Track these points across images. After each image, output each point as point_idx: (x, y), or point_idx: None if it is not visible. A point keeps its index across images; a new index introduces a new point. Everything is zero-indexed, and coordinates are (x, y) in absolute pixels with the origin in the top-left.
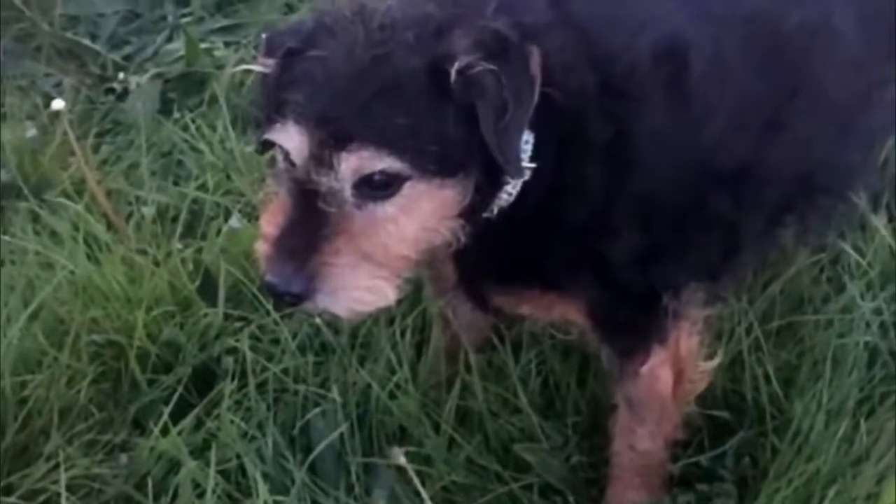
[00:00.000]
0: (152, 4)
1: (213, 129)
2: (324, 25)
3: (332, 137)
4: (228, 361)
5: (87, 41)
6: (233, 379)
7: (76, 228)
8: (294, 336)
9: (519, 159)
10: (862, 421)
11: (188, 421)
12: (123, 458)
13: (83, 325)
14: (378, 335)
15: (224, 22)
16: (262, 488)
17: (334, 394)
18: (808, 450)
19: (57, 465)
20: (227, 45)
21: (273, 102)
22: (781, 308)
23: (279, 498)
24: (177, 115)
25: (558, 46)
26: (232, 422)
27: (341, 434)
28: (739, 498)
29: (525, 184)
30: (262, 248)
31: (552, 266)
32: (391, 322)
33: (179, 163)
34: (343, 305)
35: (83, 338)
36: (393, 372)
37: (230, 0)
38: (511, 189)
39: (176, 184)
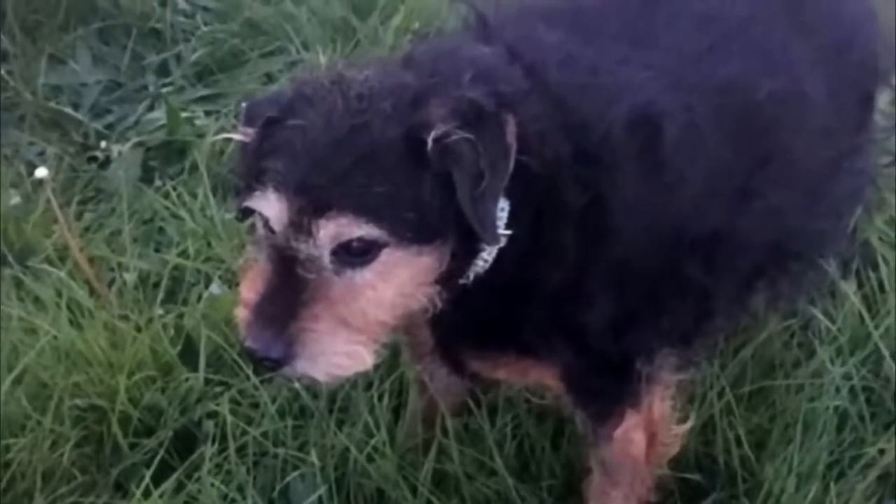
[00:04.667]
0: (134, 74)
1: (194, 196)
2: (303, 95)
3: (310, 205)
4: (209, 425)
5: (69, 110)
6: (213, 442)
7: (59, 295)
8: (273, 400)
9: (495, 226)
10: (832, 484)
11: (169, 484)
12: None
13: (66, 389)
14: (356, 399)
15: (204, 91)
16: None
17: (313, 457)
18: None
19: None
20: (207, 114)
21: (253, 170)
22: (753, 373)
23: None
24: (158, 182)
25: (534, 115)
26: (212, 485)
27: (320, 497)
28: None
29: (501, 251)
30: (242, 313)
31: (527, 332)
32: (369, 386)
33: (161, 230)
34: (322, 370)
35: (66, 402)
36: (371, 435)
37: (210, 70)
38: (487, 256)
39: (157, 251)
